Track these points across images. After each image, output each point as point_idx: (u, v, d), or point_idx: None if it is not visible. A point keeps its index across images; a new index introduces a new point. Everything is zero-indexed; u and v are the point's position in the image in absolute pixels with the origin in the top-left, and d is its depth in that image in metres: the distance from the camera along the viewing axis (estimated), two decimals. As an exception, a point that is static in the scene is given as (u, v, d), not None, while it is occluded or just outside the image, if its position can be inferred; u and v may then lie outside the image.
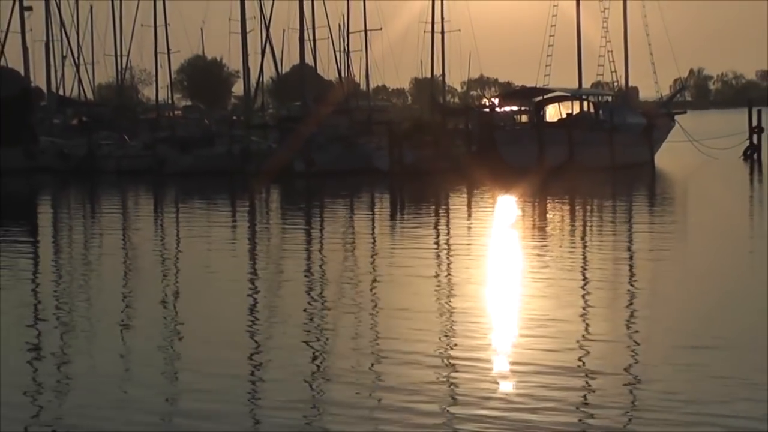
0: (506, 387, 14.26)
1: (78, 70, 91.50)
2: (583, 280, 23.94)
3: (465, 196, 48.21)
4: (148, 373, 15.59)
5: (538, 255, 28.47)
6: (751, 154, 64.59)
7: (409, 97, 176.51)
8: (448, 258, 28.84)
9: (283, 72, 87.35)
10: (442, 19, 75.55)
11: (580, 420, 12.66)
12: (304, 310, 20.64)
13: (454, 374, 14.90)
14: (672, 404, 13.02)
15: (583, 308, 20.08)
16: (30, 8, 78.60)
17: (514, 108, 69.56)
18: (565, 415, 12.76)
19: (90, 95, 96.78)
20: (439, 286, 23.65)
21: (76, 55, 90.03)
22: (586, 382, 14.34)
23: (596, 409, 13.03)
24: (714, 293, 21.93)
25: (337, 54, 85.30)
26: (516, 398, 13.55)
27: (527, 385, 14.19)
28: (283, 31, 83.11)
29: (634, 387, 14.04)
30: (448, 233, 35.13)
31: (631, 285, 23.33)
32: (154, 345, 17.45)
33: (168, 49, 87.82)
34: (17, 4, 77.11)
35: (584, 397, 13.64)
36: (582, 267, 26.13)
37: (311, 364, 15.91)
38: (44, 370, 16.05)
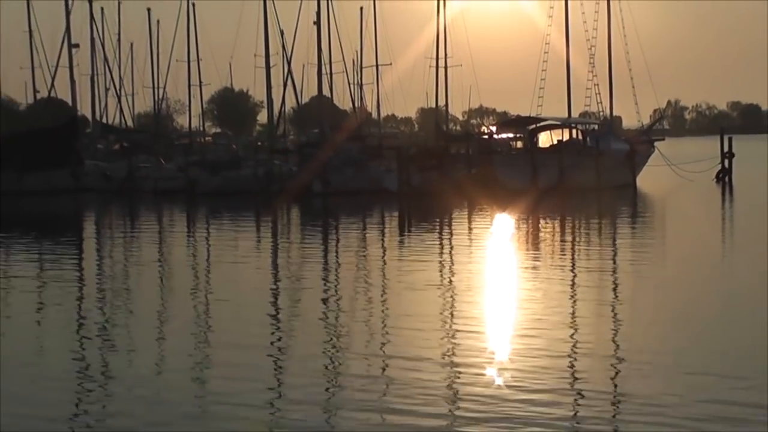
0: (503, 385, 14.23)
1: (119, 101, 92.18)
2: (572, 289, 23.98)
3: (466, 213, 48.17)
4: (179, 373, 15.59)
5: (532, 267, 28.51)
6: (723, 176, 64.63)
7: (416, 125, 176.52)
8: (450, 268, 28.87)
9: (303, 102, 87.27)
10: (446, 55, 75.70)
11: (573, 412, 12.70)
12: (322, 314, 20.73)
13: (454, 373, 14.92)
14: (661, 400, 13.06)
15: (571, 314, 20.14)
16: (77, 45, 78.78)
17: (510, 135, 69.50)
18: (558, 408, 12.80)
19: (130, 123, 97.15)
20: (441, 293, 23.67)
21: (117, 87, 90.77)
22: (576, 379, 14.37)
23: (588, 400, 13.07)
24: (687, 299, 21.92)
25: (352, 86, 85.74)
26: (513, 397, 13.55)
27: (522, 382, 14.21)
28: (303, 65, 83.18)
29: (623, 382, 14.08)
30: (451, 247, 35.12)
31: (615, 293, 23.35)
32: (187, 347, 17.49)
33: (200, 82, 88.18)
34: (66, 41, 77.27)
35: (576, 392, 13.67)
36: (571, 278, 26.09)
37: (329, 365, 15.99)
38: (88, 371, 16.11)
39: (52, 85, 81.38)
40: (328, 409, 13.29)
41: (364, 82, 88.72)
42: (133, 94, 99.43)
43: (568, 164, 60.80)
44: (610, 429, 12.23)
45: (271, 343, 17.90)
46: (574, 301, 22.10)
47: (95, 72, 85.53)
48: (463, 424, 12.34)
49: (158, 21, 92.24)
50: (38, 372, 15.80)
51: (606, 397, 13.42)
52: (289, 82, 74.83)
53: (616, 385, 14.18)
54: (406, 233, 41.10)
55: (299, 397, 13.78)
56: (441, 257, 31.88)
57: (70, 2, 76.49)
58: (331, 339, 18.29)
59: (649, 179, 64.79)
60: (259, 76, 73.43)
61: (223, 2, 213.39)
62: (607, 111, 70.61)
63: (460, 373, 14.96)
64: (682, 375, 14.48)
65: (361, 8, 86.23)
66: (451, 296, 23.28)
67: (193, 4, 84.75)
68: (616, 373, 14.87)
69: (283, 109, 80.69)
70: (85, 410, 13.73)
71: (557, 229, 41.28)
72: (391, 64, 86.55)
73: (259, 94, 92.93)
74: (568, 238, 38.13)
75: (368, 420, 12.61)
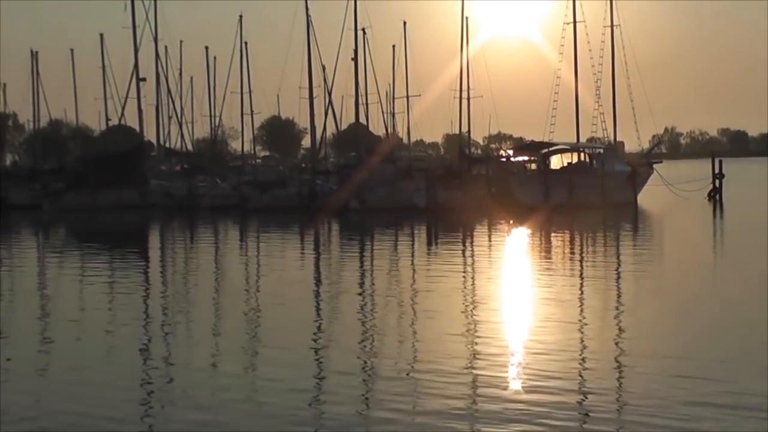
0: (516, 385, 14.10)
1: (181, 128, 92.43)
2: (581, 295, 23.92)
3: (486, 227, 48.08)
4: (232, 368, 15.53)
5: (544, 274, 28.42)
6: (714, 195, 64.24)
7: (442, 149, 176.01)
8: (472, 275, 28.81)
9: (342, 129, 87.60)
10: (468, 87, 75.66)
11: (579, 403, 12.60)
12: (358, 315, 20.73)
13: (475, 370, 14.87)
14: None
15: (580, 317, 20.07)
16: (144, 79, 79.04)
17: (525, 158, 69.28)
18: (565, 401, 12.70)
19: (190, 147, 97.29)
20: (464, 296, 23.61)
21: (179, 116, 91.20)
22: (585, 377, 14.29)
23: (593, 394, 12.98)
24: (684, 304, 21.76)
25: (385, 115, 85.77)
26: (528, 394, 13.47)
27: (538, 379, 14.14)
28: (342, 96, 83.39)
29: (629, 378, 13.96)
30: (473, 256, 35.05)
31: (618, 298, 23.23)
32: (239, 345, 17.50)
33: (251, 111, 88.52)
34: (134, 76, 77.64)
35: (584, 389, 13.58)
36: (579, 284, 26.03)
37: (368, 361, 15.97)
38: (152, 366, 16.12)
39: (122, 114, 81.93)
40: (365, 402, 13.23)
41: (396, 111, 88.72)
42: (192, 122, 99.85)
43: (576, 184, 60.70)
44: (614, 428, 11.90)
45: (315, 341, 17.89)
46: (583, 306, 22.00)
47: (160, 102, 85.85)
48: (484, 420, 12.07)
49: (215, 57, 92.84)
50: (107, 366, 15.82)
51: (613, 397, 13.26)
52: (330, 111, 75.47)
53: (621, 384, 14.08)
54: (432, 245, 41.03)
55: (335, 393, 13.56)
56: (464, 265, 31.78)
57: (138, 41, 76.98)
58: (365, 337, 18.25)
59: (648, 198, 64.57)
60: (303, 106, 73.86)
61: (272, 41, 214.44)
62: (611, 136, 70.57)
63: (479, 370, 14.89)
64: (681, 378, 14.27)
65: (394, 46, 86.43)
66: (472, 298, 23.21)
67: (245, 43, 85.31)
68: (623, 373, 14.77)
69: (324, 134, 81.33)
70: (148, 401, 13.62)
71: (567, 241, 41.11)
72: (419, 95, 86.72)
73: (303, 121, 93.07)
74: (577, 249, 37.96)
75: (396, 416, 12.42)
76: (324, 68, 73.59)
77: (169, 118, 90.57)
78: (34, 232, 52.45)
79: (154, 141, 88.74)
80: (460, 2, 72.06)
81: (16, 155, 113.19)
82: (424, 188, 62.21)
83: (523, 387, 13.59)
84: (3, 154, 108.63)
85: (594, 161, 65.53)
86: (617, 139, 71.44)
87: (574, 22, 68.94)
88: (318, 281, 28.37)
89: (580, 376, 14.37)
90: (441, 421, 11.84)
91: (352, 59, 71.30)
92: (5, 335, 19.16)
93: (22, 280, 30.29)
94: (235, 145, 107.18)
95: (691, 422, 11.59)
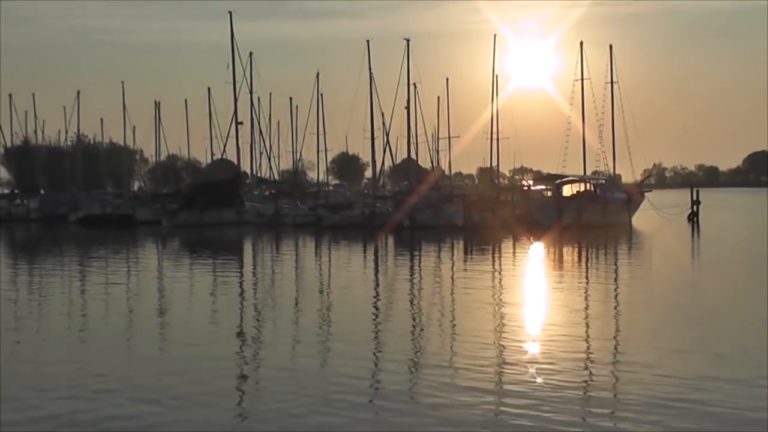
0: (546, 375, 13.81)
1: (270, 161, 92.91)
2: (586, 297, 23.74)
3: (511, 241, 47.81)
4: (309, 364, 15.39)
5: (558, 279, 28.26)
6: (693, 218, 63.79)
7: (476, 180, 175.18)
8: (500, 278, 28.68)
9: (396, 163, 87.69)
10: (498, 130, 75.01)
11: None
12: (410, 312, 20.73)
13: (498, 361, 14.79)
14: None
15: (585, 317, 19.91)
16: (241, 123, 79.53)
17: (543, 187, 68.82)
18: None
19: (276, 177, 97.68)
20: (494, 297, 23.51)
21: (268, 152, 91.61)
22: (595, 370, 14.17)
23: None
24: (670, 304, 21.57)
25: (431, 152, 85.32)
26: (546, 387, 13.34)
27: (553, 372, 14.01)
28: (397, 137, 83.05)
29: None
30: (501, 264, 34.86)
31: (616, 301, 23.07)
32: (322, 340, 17.46)
33: (325, 148, 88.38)
34: (234, 120, 78.28)
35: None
36: (585, 288, 25.84)
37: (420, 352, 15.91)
38: (244, 359, 16.12)
39: (224, 150, 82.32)
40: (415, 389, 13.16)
41: (439, 149, 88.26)
42: (278, 157, 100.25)
43: (583, 208, 60.32)
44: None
45: (375, 336, 17.90)
46: (589, 307, 21.83)
47: (253, 141, 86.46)
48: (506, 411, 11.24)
49: (297, 106, 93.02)
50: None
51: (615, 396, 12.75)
52: (387, 148, 75.37)
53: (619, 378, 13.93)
54: (469, 255, 40.86)
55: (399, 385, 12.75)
56: (493, 272, 31.61)
57: (237, 93, 77.47)
58: (413, 330, 18.23)
59: (641, 219, 63.98)
60: (366, 145, 73.67)
61: (342, 92, 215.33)
62: (611, 170, 69.96)
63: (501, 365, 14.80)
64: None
65: (438, 97, 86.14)
66: (501, 299, 23.10)
67: (321, 95, 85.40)
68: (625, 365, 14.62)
69: (382, 167, 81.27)
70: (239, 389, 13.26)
71: (576, 253, 40.82)
72: (458, 136, 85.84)
73: (366, 156, 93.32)
74: (584, 259, 37.68)
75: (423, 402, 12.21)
76: (383, 114, 73.64)
77: (260, 153, 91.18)
78: (155, 242, 52.83)
79: (249, 171, 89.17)
80: (492, 63, 71.90)
81: (142, 182, 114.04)
82: (462, 210, 62.14)
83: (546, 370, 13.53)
84: (132, 181, 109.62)
85: (597, 190, 65.10)
86: (616, 172, 70.93)
87: (582, 79, 68.97)
88: (376, 286, 28.30)
89: (588, 362, 14.28)
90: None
91: (406, 107, 71.29)
92: (162, 315, 19.37)
93: (146, 277, 30.59)
94: (312, 175, 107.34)
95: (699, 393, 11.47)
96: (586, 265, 34.86)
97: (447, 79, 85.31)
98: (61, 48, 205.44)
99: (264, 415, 10.98)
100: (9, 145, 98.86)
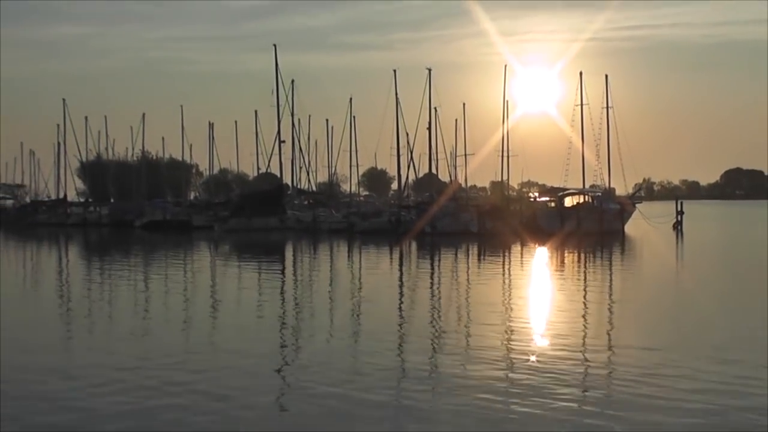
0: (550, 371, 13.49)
1: (308, 174, 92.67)
2: (585, 295, 23.54)
3: (519, 246, 47.57)
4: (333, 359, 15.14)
5: (560, 278, 28.09)
6: (677, 226, 63.35)
7: (488, 192, 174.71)
8: (510, 277, 28.52)
9: (419, 177, 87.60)
10: (508, 148, 74.37)
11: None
12: (430, 307, 20.64)
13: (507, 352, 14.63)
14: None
15: (584, 314, 19.73)
16: (284, 141, 79.44)
17: (547, 198, 68.54)
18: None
19: (314, 188, 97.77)
20: (503, 292, 23.40)
21: (307, 166, 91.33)
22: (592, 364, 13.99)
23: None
24: (658, 301, 21.37)
25: (449, 167, 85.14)
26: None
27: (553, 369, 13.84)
28: (419, 154, 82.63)
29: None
30: (510, 266, 34.68)
31: (610, 298, 22.88)
32: (347, 335, 17.37)
33: (357, 164, 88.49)
34: (277, 139, 78.45)
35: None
36: (584, 286, 25.65)
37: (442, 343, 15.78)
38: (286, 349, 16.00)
39: (268, 164, 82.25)
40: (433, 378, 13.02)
41: (457, 165, 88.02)
42: (316, 171, 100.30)
43: (582, 217, 60.12)
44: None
45: (398, 331, 17.79)
46: (589, 302, 21.64)
47: (294, 157, 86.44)
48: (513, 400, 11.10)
49: (332, 127, 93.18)
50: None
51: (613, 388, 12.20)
52: (411, 164, 75.51)
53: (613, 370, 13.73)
54: (482, 257, 40.69)
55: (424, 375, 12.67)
56: (503, 272, 31.45)
57: (280, 115, 77.58)
58: (431, 323, 18.11)
59: (632, 227, 63.55)
60: (393, 161, 73.67)
61: (372, 114, 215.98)
62: (607, 184, 69.71)
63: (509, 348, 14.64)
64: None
65: (456, 120, 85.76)
66: (509, 296, 22.99)
67: (354, 117, 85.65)
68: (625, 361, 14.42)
69: (407, 180, 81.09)
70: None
71: (576, 256, 40.56)
72: (473, 154, 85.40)
73: (392, 171, 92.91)
74: (583, 261, 37.43)
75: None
76: (407, 134, 73.78)
77: (300, 168, 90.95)
78: (209, 245, 52.98)
79: (290, 183, 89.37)
80: (503, 89, 71.77)
81: (197, 192, 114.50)
82: (476, 219, 62.02)
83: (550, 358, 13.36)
84: (189, 192, 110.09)
85: (595, 201, 64.80)
86: (611, 186, 70.64)
87: (582, 104, 68.87)
88: (400, 285, 28.19)
89: (585, 352, 14.12)
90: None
91: (427, 128, 71.37)
92: (217, 310, 19.39)
93: (202, 276, 30.68)
94: (345, 187, 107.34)
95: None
96: (585, 267, 34.60)
97: (464, 104, 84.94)
98: (129, 76, 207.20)
99: (302, 391, 10.87)
100: (84, 160, 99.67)
